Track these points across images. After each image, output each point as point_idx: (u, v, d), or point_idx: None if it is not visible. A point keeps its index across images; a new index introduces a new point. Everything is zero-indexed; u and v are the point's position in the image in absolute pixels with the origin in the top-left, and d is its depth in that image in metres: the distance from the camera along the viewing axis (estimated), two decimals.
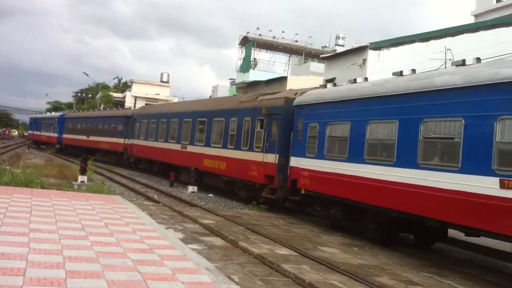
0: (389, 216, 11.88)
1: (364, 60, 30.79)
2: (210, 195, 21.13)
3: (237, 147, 19.48)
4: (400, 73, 12.62)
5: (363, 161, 12.53)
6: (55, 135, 52.53)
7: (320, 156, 14.56)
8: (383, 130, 12.17)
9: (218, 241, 11.20)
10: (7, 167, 18.52)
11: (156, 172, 32.29)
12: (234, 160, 19.48)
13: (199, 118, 23.48)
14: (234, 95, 38.42)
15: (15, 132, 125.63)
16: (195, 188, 22.15)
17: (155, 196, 19.55)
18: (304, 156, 15.36)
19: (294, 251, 10.64)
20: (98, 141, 40.44)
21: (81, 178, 20.18)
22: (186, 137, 24.63)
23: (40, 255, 6.88)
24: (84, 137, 43.97)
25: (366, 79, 14.15)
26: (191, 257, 7.92)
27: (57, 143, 51.41)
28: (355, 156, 12.89)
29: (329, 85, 15.94)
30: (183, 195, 20.37)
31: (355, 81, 14.30)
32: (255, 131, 18.46)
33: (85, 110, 60.55)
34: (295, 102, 16.25)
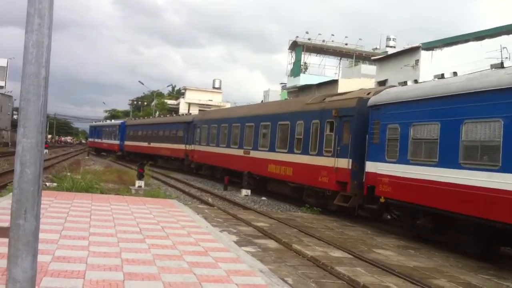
0: (492, 228, 10.57)
1: (417, 61, 30.21)
2: (263, 198, 21.25)
3: (305, 152, 18.40)
4: (454, 74, 12.22)
5: (458, 166, 11.19)
6: (117, 142, 52.46)
7: (403, 160, 13.32)
8: (483, 130, 10.78)
9: (271, 244, 11.27)
10: (68, 174, 19.24)
11: (210, 176, 32.83)
12: (302, 166, 18.41)
13: (262, 122, 22.56)
14: (285, 99, 38.37)
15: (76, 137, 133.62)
16: (249, 192, 22.33)
17: (210, 200, 19.84)
18: (382, 160, 14.15)
19: (348, 253, 10.57)
20: (159, 148, 40.32)
21: (138, 183, 20.71)
22: (248, 142, 23.68)
23: (99, 257, 7.14)
24: (145, 144, 43.94)
25: (455, 73, 12.60)
26: (245, 260, 8.01)
27: (119, 150, 51.46)
28: (448, 160, 11.55)
29: (409, 82, 14.42)
30: (237, 199, 20.57)
31: (442, 76, 12.90)
32: (324, 135, 17.39)
33: (144, 117, 60.26)
34: (370, 102, 15.08)
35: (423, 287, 8.16)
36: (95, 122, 79.08)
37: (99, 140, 61.94)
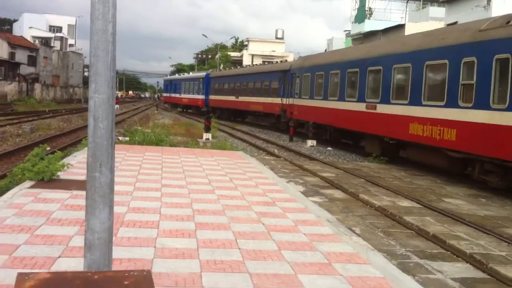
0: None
1: (489, 1, 28.53)
2: (329, 148, 21.17)
3: (480, 105, 12.27)
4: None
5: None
6: (201, 97, 47.31)
7: None
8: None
9: (338, 194, 11.28)
10: (139, 128, 19.87)
11: (276, 129, 32.75)
12: (475, 127, 12.40)
13: (396, 65, 16.31)
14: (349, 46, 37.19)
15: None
16: (314, 142, 22.32)
17: (276, 151, 19.98)
18: None
19: (417, 203, 10.42)
20: (248, 102, 35.42)
21: (206, 135, 21.08)
22: (374, 93, 17.75)
23: (172, 208, 7.40)
24: (232, 98, 39.10)
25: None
26: (312, 210, 8.07)
27: (204, 106, 46.50)
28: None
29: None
30: (302, 149, 20.62)
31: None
32: None
33: (231, 68, 53.33)
34: None
35: (496, 236, 7.96)
36: (169, 76, 75.13)
37: (177, 95, 56.63)
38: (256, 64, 42.93)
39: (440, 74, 14.29)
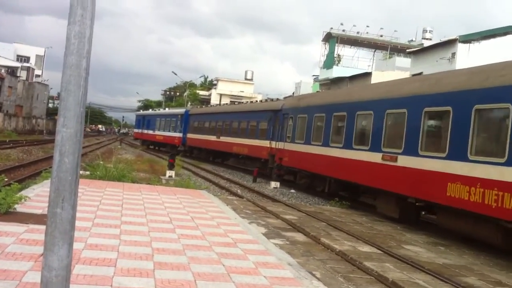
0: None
1: (453, 54, 29.79)
2: (292, 190, 21.25)
3: None
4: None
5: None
6: (178, 135, 43.81)
7: None
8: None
9: (300, 237, 11.29)
10: (101, 162, 19.58)
11: (240, 169, 32.59)
12: None
13: (427, 107, 13.13)
14: (317, 91, 37.77)
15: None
16: (278, 184, 22.37)
17: (239, 191, 19.94)
18: None
19: (377, 248, 10.51)
20: (231, 143, 32.03)
21: (169, 173, 20.93)
22: (394, 142, 14.62)
23: (131, 246, 7.27)
24: (213, 138, 35.65)
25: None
26: (274, 252, 8.05)
27: (181, 145, 43.01)
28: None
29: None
30: (265, 191, 20.63)
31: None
32: None
33: (212, 105, 49.73)
34: None
35: (453, 285, 8.07)
36: (142, 110, 71.07)
37: (151, 132, 52.74)
38: (242, 102, 38.85)
39: (498, 120, 11.22)
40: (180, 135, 43.28)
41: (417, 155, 13.19)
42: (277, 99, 32.34)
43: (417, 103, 13.53)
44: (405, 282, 7.99)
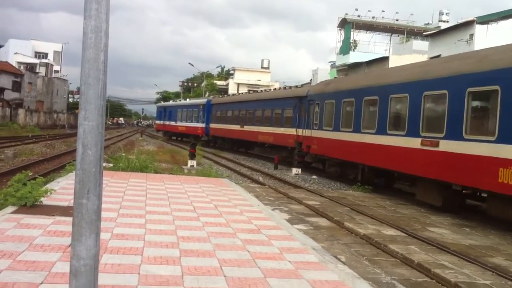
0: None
1: (471, 36, 29.33)
2: (314, 176, 21.22)
3: None
4: None
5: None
6: (201, 125, 43.31)
7: None
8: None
9: (323, 222, 11.28)
10: (123, 154, 19.76)
11: (261, 156, 32.62)
12: None
13: (471, 88, 12.22)
14: (335, 77, 37.31)
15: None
16: (299, 170, 22.35)
17: (261, 179, 19.98)
18: None
19: (402, 231, 10.46)
20: (256, 132, 31.24)
21: (190, 162, 21.03)
22: (434, 126, 13.72)
23: (156, 235, 7.34)
24: (237, 127, 35.03)
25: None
26: (298, 237, 8.06)
27: (204, 135, 42.89)
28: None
29: None
30: (287, 177, 20.63)
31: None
32: None
33: (234, 94, 47.65)
34: None
35: (480, 266, 8.00)
36: (162, 102, 69.45)
37: (173, 123, 52.16)
38: (265, 90, 36.95)
39: None
40: (203, 125, 42.80)
41: (462, 139, 12.31)
42: (301, 85, 31.35)
43: (459, 83, 12.60)
44: (431, 264, 7.94)
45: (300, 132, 24.29)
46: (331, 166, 20.90)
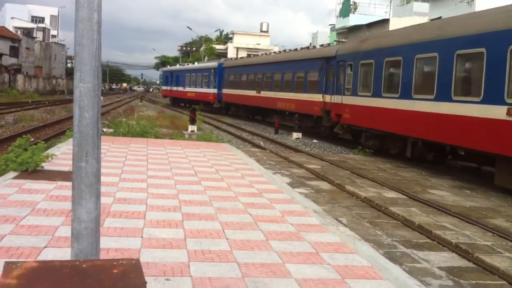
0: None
1: None
2: (315, 140, 21.21)
3: None
4: None
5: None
6: (212, 91, 39.68)
7: None
8: None
9: (324, 185, 11.31)
10: (123, 119, 19.71)
11: (261, 121, 32.47)
12: None
13: None
14: (335, 40, 36.27)
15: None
16: (300, 135, 22.34)
17: (261, 143, 19.97)
18: None
19: (402, 194, 10.49)
20: (274, 99, 27.90)
21: (191, 127, 21.02)
22: None
23: (158, 199, 7.36)
24: (253, 93, 31.45)
25: None
26: (299, 200, 8.08)
27: (216, 102, 39.61)
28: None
29: None
30: (288, 142, 20.63)
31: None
32: None
33: (251, 55, 41.62)
34: None
35: (481, 227, 8.04)
36: (166, 67, 64.61)
37: (181, 88, 48.54)
38: (285, 50, 31.46)
39: None
40: (215, 91, 39.29)
41: None
42: (329, 44, 26.65)
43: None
44: (432, 225, 7.98)
45: (328, 98, 21.08)
46: (368, 138, 17.79)
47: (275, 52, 37.77)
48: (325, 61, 21.84)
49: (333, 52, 21.21)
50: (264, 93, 29.55)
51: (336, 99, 20.07)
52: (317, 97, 22.25)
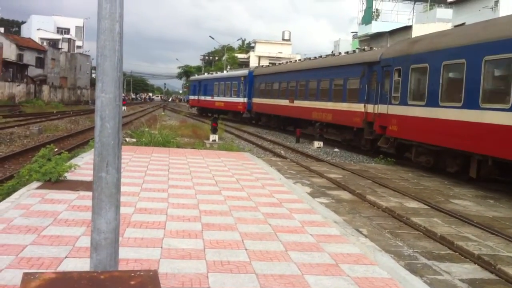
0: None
1: (496, 2, 28.55)
2: (336, 150, 21.11)
3: None
4: None
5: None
6: (242, 100, 37.94)
7: None
8: None
9: (345, 195, 11.24)
10: (146, 129, 19.89)
11: (283, 130, 32.44)
12: None
13: None
14: (357, 48, 36.08)
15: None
16: (321, 144, 22.25)
17: (282, 152, 19.94)
18: None
19: (424, 204, 10.37)
20: (309, 109, 25.69)
21: (212, 137, 21.10)
22: None
23: (178, 209, 7.40)
24: (285, 102, 29.54)
25: None
26: (319, 211, 8.05)
27: (246, 111, 37.80)
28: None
29: None
30: (309, 151, 20.57)
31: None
32: None
33: (282, 63, 38.66)
34: None
35: (504, 238, 7.90)
36: (194, 76, 61.85)
37: (209, 98, 46.28)
38: (321, 56, 28.07)
39: None
40: (245, 100, 37.41)
41: None
42: (371, 48, 23.89)
43: None
44: (454, 236, 7.87)
45: (371, 108, 19.03)
46: (420, 154, 15.62)
47: (300, 60, 36.36)
48: (367, 66, 19.79)
49: (377, 56, 19.13)
50: (298, 103, 27.53)
51: (381, 109, 17.91)
52: (358, 107, 20.24)
